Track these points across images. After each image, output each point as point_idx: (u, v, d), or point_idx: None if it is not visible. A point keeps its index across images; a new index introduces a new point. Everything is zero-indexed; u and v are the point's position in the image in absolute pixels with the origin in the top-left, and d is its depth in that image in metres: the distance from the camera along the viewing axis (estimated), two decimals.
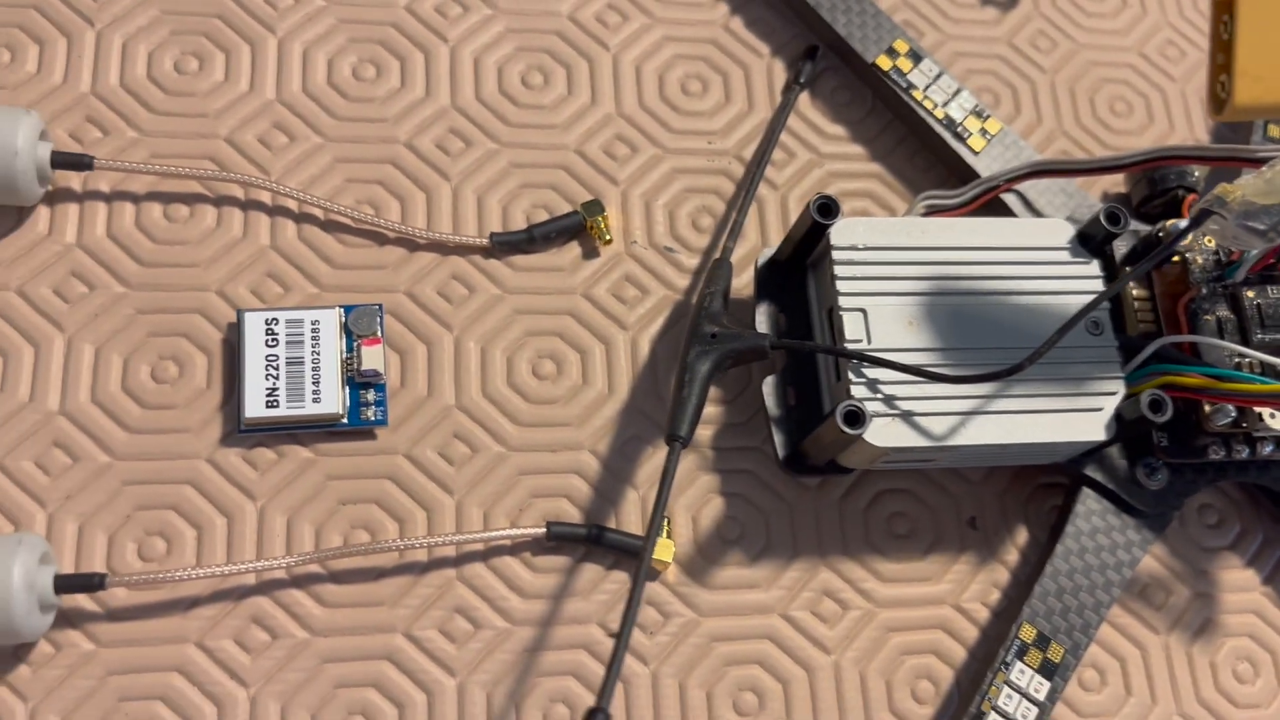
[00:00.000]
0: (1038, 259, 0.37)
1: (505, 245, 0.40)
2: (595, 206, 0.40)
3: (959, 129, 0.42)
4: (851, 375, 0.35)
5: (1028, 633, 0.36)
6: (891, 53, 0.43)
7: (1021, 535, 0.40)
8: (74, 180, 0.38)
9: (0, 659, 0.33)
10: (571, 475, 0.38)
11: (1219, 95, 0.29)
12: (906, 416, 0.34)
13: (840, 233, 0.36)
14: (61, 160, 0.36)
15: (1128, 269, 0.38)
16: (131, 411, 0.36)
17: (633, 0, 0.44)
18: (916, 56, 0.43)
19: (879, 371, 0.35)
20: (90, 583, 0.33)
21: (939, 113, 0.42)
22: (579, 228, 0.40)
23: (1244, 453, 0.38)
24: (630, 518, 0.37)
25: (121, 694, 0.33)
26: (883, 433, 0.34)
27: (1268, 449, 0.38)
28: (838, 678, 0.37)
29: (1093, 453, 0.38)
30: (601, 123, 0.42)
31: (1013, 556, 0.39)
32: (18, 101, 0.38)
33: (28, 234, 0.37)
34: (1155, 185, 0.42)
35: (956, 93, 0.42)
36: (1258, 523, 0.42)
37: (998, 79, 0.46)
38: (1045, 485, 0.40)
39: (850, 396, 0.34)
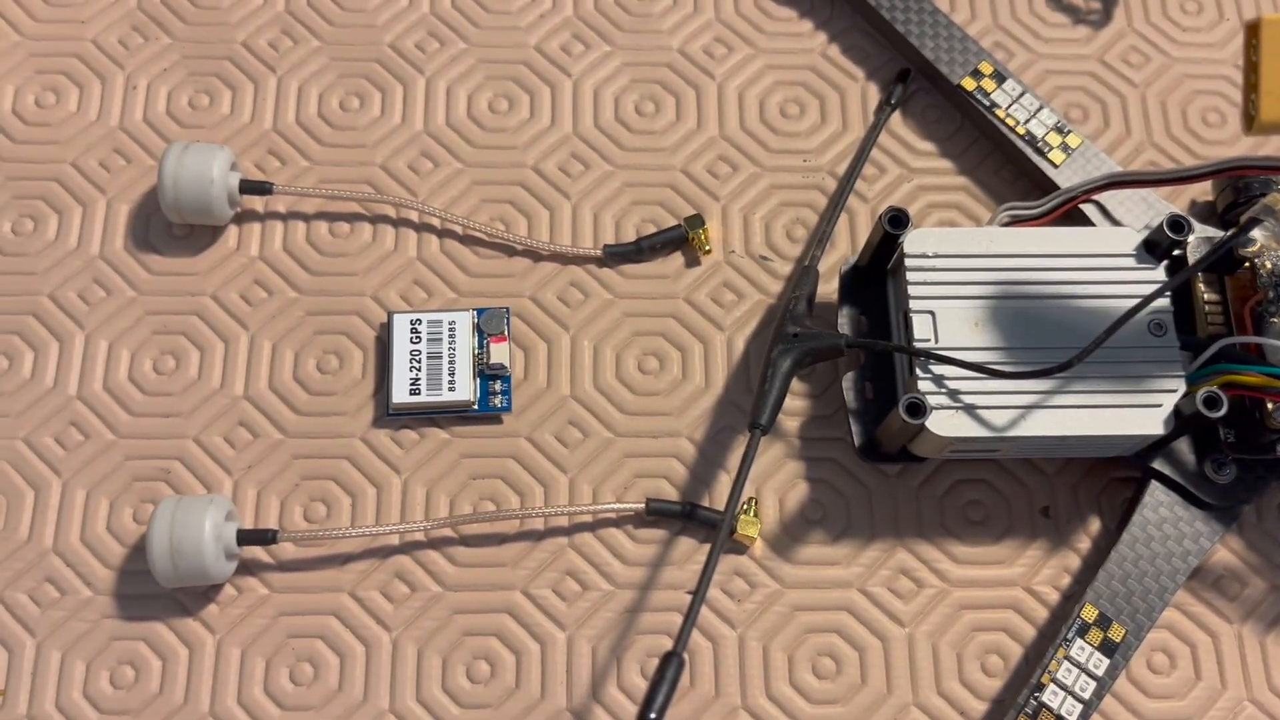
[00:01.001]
0: (1103, 265, 0.40)
1: (616, 255, 0.45)
2: (697, 220, 0.45)
3: (1039, 144, 0.45)
4: (919, 371, 0.38)
5: (1089, 613, 0.39)
6: (976, 74, 0.46)
7: (1094, 525, 0.42)
8: (257, 203, 0.45)
9: (194, 598, 0.40)
10: (670, 459, 0.42)
11: (1250, 113, 0.32)
12: (969, 409, 0.38)
13: (914, 242, 0.40)
14: (248, 187, 0.43)
15: (1173, 274, 0.40)
16: (300, 397, 0.43)
17: (737, 33, 0.49)
18: (1000, 77, 0.46)
19: (946, 368, 0.38)
20: (265, 538, 0.39)
21: (1020, 129, 0.45)
22: (682, 239, 0.45)
23: None
24: (721, 497, 0.42)
25: (289, 631, 0.40)
26: (945, 423, 0.37)
27: None
28: (910, 648, 0.41)
29: (1161, 447, 0.40)
30: (706, 145, 0.47)
31: (1084, 544, 0.42)
32: (214, 138, 0.46)
33: (221, 249, 0.44)
34: (1239, 193, 0.44)
35: (1038, 110, 0.45)
36: None
37: (1087, 94, 0.48)
38: (1118, 479, 0.43)
39: (917, 390, 0.38)
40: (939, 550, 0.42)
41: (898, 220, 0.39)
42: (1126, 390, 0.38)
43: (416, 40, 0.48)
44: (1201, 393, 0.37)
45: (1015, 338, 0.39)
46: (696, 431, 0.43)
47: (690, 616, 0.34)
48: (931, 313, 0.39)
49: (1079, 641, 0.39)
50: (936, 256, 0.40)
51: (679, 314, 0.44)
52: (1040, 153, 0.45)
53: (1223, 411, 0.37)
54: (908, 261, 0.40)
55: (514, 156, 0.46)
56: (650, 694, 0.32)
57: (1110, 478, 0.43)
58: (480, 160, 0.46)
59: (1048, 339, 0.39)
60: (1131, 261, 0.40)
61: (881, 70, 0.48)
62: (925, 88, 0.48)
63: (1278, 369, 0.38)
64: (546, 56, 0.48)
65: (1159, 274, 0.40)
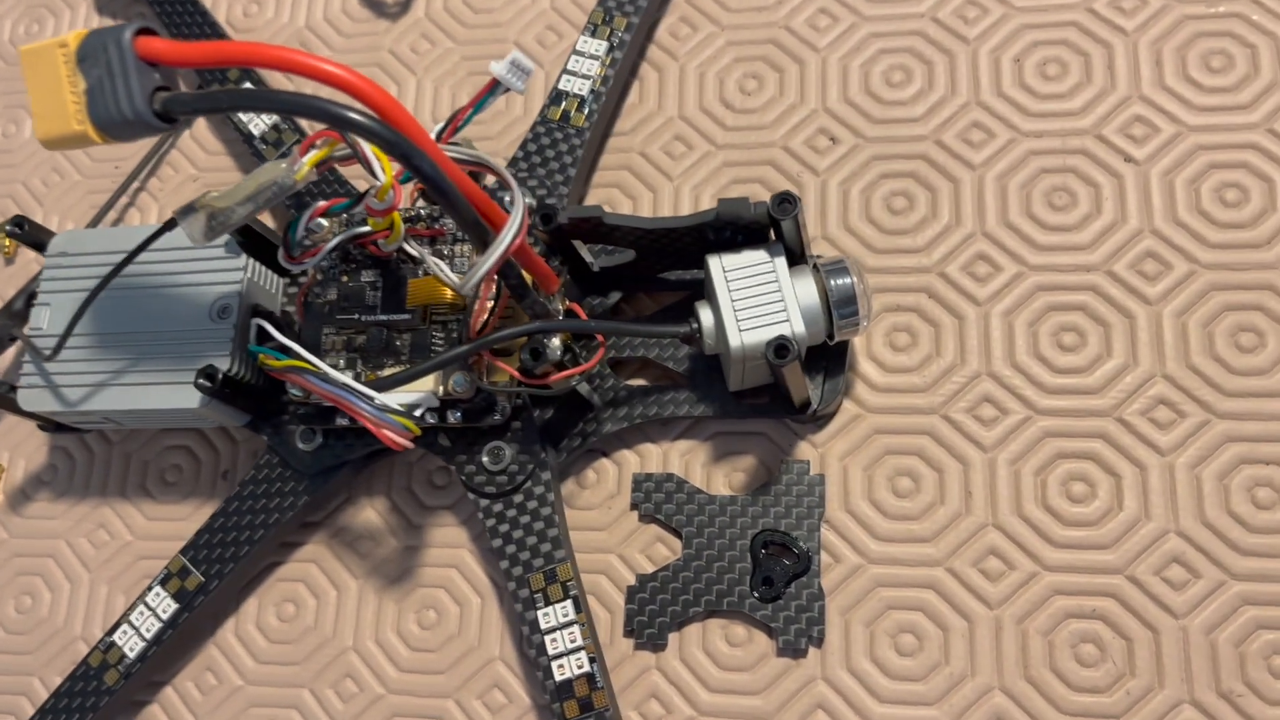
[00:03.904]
0: (193, 257, 0.44)
1: None
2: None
3: (256, 144, 0.49)
4: (27, 358, 0.45)
5: (176, 564, 0.44)
6: None
7: None
8: None
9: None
10: None
11: None
12: (54, 388, 0.44)
13: (57, 243, 0.46)
14: None
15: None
16: None
17: None
18: None
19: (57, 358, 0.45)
20: None
21: (245, 129, 0.50)
22: None
23: (345, 421, 0.43)
24: None
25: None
26: (29, 400, 0.44)
27: (344, 421, 0.42)
28: (94, 591, 0.48)
29: (270, 418, 0.45)
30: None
31: None
32: None
33: None
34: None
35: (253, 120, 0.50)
36: None
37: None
38: None
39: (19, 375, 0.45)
40: (134, 507, 0.48)
41: (19, 223, 0.46)
42: (182, 369, 0.43)
43: None
44: (198, 372, 0.41)
45: (106, 322, 0.44)
46: None
47: None
48: (48, 304, 0.46)
49: (158, 588, 0.44)
50: (72, 254, 0.46)
51: None
52: (259, 155, 0.49)
53: (217, 386, 0.41)
54: (47, 260, 0.46)
55: None
56: None
57: None
58: None
59: (137, 323, 0.44)
60: (221, 253, 0.44)
61: None
62: None
63: (275, 351, 0.41)
64: None
65: (239, 262, 0.44)
